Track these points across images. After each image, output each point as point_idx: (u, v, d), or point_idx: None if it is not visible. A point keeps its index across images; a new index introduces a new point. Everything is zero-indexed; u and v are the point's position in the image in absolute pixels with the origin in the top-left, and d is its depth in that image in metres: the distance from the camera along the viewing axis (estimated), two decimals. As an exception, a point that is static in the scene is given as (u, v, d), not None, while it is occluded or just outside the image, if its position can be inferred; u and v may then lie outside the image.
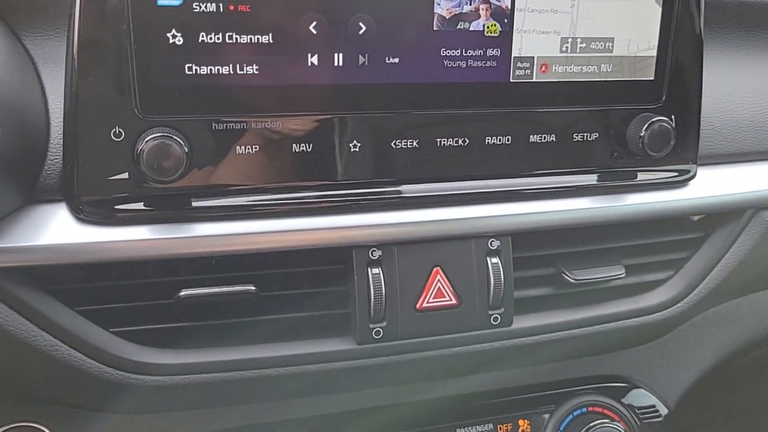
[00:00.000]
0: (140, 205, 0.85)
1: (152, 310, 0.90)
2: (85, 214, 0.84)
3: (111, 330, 0.89)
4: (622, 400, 1.17)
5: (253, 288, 0.91)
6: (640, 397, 1.19)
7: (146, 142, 0.81)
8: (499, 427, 1.11)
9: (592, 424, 1.10)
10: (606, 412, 1.14)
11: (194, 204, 0.88)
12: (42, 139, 0.85)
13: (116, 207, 0.84)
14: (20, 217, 0.83)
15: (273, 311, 0.95)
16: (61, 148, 0.85)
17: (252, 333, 0.94)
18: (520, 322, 1.02)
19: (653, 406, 1.19)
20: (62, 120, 0.84)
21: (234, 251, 0.90)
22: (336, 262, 0.95)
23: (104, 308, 0.89)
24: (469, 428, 1.09)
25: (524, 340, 1.03)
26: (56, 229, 0.84)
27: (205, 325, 0.92)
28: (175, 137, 0.82)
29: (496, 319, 1.00)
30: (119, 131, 0.82)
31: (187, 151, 0.83)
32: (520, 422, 1.12)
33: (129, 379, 0.88)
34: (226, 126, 0.86)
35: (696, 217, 1.16)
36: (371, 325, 0.94)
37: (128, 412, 0.98)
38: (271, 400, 1.03)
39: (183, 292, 0.89)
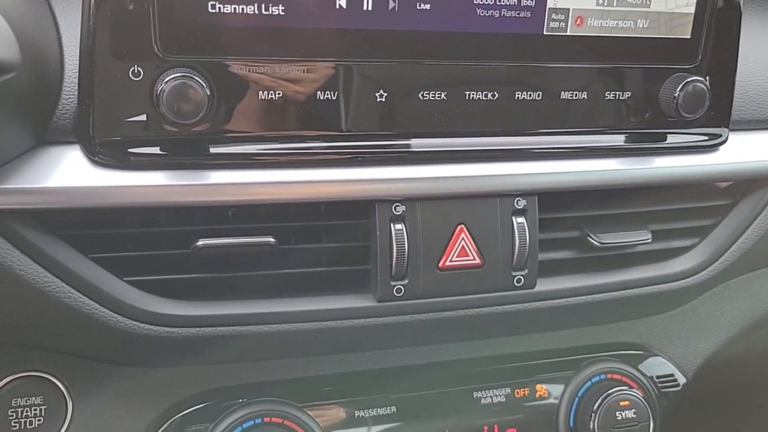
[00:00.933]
0: (157, 150, 0.82)
1: (168, 259, 0.87)
2: (99, 156, 0.81)
3: (125, 279, 0.86)
4: (641, 368, 1.15)
5: (272, 240, 0.88)
6: (659, 365, 1.17)
7: (166, 82, 0.78)
8: (516, 391, 1.09)
9: (609, 392, 1.08)
10: (624, 379, 1.12)
11: (213, 150, 0.84)
12: (56, 76, 0.81)
13: (132, 150, 0.81)
14: (32, 158, 0.80)
15: (292, 265, 0.92)
16: (76, 87, 0.81)
17: (270, 287, 0.91)
18: (544, 285, 0.99)
19: (672, 375, 1.17)
20: (77, 57, 0.80)
21: (253, 201, 0.87)
22: (358, 216, 0.92)
23: (118, 256, 0.86)
24: (486, 392, 1.07)
25: (546, 303, 1.00)
26: (69, 171, 0.80)
27: (222, 277, 0.89)
28: (196, 78, 0.78)
29: (519, 280, 0.97)
30: (138, 70, 0.79)
31: (208, 93, 0.79)
32: (538, 387, 1.10)
33: (142, 330, 0.86)
34: (250, 69, 0.82)
35: (724, 184, 1.13)
36: (392, 283, 0.91)
37: (141, 365, 0.95)
38: (288, 357, 1.00)
39: (200, 242, 0.86)
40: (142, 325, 0.85)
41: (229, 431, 0.95)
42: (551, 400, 1.10)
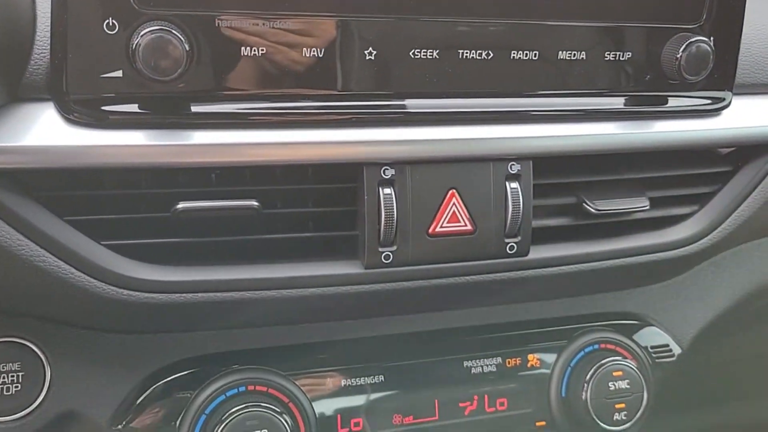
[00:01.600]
0: (134, 107, 0.78)
1: (146, 223, 0.84)
2: (74, 114, 0.77)
3: (102, 243, 0.83)
4: (635, 338, 1.12)
5: (256, 204, 0.85)
6: (654, 335, 1.14)
7: (142, 36, 0.74)
8: (507, 361, 1.06)
9: (603, 362, 1.06)
10: (618, 349, 1.10)
11: (194, 109, 0.81)
12: (28, 29, 0.77)
13: (108, 108, 0.78)
14: (4, 116, 0.76)
15: (276, 230, 0.88)
16: (49, 41, 0.77)
17: (253, 253, 0.88)
18: (537, 253, 0.96)
19: (667, 345, 1.14)
20: (50, 9, 0.76)
21: (236, 163, 0.83)
22: (345, 180, 0.89)
23: (95, 219, 0.82)
24: (477, 361, 1.05)
25: (539, 271, 0.97)
26: (43, 129, 0.77)
27: (203, 242, 0.86)
28: (174, 32, 0.74)
29: (512, 247, 0.94)
30: (113, 23, 0.75)
31: (187, 49, 0.75)
32: (530, 357, 1.07)
33: (121, 296, 0.83)
34: (231, 23, 0.78)
35: (725, 150, 1.10)
36: (380, 249, 0.88)
37: (121, 331, 0.93)
38: (273, 324, 0.98)
39: (180, 205, 0.82)
40: (120, 290, 0.82)
41: (212, 399, 0.92)
42: (543, 370, 1.08)
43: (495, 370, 1.06)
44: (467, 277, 0.94)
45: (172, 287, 0.84)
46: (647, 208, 1.01)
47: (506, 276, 0.96)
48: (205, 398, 0.93)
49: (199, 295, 0.85)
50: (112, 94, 0.77)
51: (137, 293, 0.83)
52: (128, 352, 0.93)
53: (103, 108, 0.77)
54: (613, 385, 1.05)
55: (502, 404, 1.06)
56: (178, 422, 0.92)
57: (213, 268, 0.86)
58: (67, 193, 0.81)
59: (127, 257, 0.83)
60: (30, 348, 0.89)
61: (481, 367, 1.05)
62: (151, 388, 0.93)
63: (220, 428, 0.90)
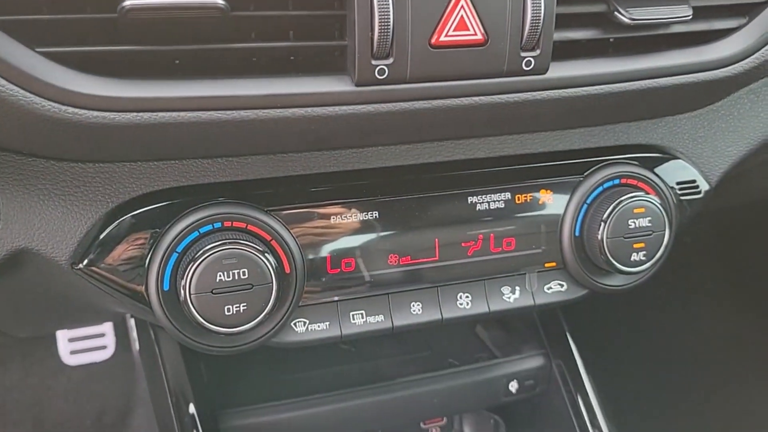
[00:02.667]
0: None
1: (89, 26, 0.69)
2: None
3: (38, 50, 0.68)
4: (659, 173, 1.01)
5: (222, 3, 0.69)
6: (680, 170, 1.02)
7: None
8: (516, 196, 0.95)
9: (623, 198, 0.94)
10: (640, 185, 0.98)
11: None
12: None
13: None
14: None
15: (248, 39, 0.74)
16: None
17: (220, 67, 0.73)
18: (557, 70, 0.82)
19: (693, 182, 1.03)
20: None
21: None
22: (331, -24, 0.73)
23: (27, 20, 0.67)
24: (483, 197, 0.94)
25: (559, 93, 0.83)
26: None
27: (158, 51, 0.71)
28: None
29: (528, 63, 0.79)
30: None
31: None
32: (542, 192, 0.96)
33: (65, 115, 0.69)
34: None
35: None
36: (374, 62, 0.74)
37: (75, 160, 0.80)
38: (250, 154, 0.85)
39: (127, 3, 0.67)
40: (63, 107, 0.69)
41: (185, 236, 0.82)
42: (556, 208, 0.97)
43: (503, 206, 0.95)
44: (475, 99, 0.80)
45: (123, 104, 0.70)
46: (689, 18, 0.85)
47: (520, 98, 0.82)
48: (177, 235, 0.82)
49: (158, 115, 0.71)
50: None
51: (84, 111, 0.69)
52: (87, 184, 0.82)
53: None
54: (633, 222, 0.95)
55: (509, 244, 0.96)
56: (147, 261, 0.83)
57: (171, 82, 0.72)
58: (-11, -13, 0.66)
59: (68, 67, 0.69)
60: (-31, 178, 0.77)
61: (488, 203, 0.94)
62: (115, 223, 0.82)
63: (194, 267, 0.80)
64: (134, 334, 1.46)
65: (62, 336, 1.98)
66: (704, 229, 2.24)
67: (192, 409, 1.10)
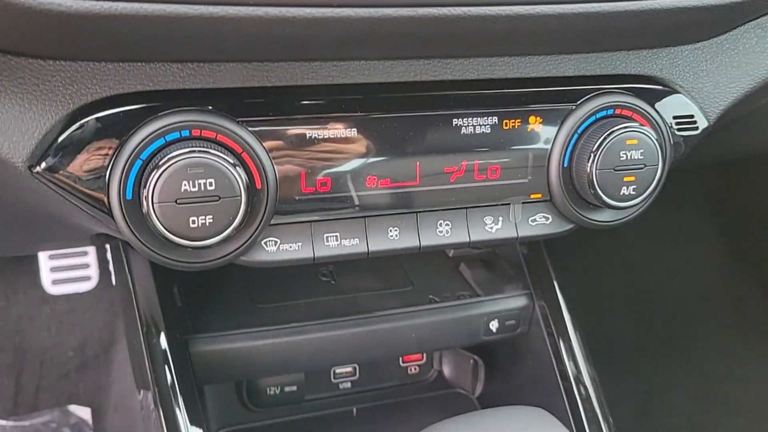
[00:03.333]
0: None
1: None
2: None
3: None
4: (656, 106, 0.96)
5: None
6: (678, 104, 0.97)
7: None
8: (504, 122, 0.91)
9: (616, 128, 0.90)
10: (635, 116, 0.94)
11: None
12: None
13: None
14: None
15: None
16: None
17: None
18: (552, -18, 0.77)
19: (691, 117, 0.98)
20: None
21: None
22: None
23: None
24: (469, 119, 0.89)
25: (555, 8, 0.78)
26: None
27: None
28: None
29: (522, -29, 0.74)
30: None
31: None
32: (531, 119, 0.91)
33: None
34: None
35: None
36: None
37: (34, 55, 0.75)
38: (221, 59, 0.80)
39: None
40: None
41: (150, 143, 0.78)
42: (545, 135, 0.92)
43: (489, 131, 0.90)
44: (462, 9, 0.75)
45: (79, -12, 0.65)
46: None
47: (512, 11, 0.77)
48: (141, 141, 0.78)
49: (118, 5, 0.66)
50: None
51: (38, -5, 0.64)
52: (47, 83, 0.77)
53: None
54: (625, 154, 0.90)
55: (494, 172, 0.92)
56: (109, 168, 0.78)
57: (133, -33, 0.67)
58: None
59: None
60: None
61: (473, 126, 0.89)
62: (76, 125, 0.77)
63: (157, 175, 0.76)
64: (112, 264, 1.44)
65: (45, 265, 1.96)
66: (697, 176, 2.22)
67: (163, 336, 1.08)
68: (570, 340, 1.18)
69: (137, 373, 1.11)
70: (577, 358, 1.16)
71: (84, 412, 1.91)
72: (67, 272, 1.96)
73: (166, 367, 1.05)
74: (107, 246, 1.58)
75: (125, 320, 1.21)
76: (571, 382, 1.14)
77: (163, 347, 1.07)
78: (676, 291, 2.32)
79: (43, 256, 1.96)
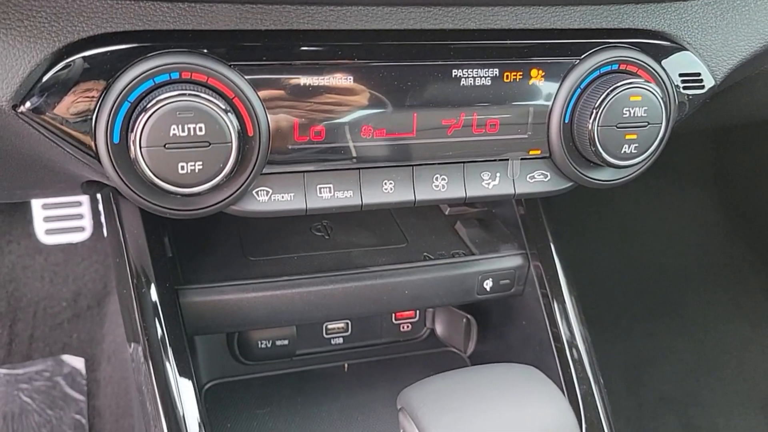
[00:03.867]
0: None
1: None
2: None
3: None
4: (663, 62, 0.93)
5: None
6: (685, 61, 0.95)
7: None
8: (505, 74, 0.88)
9: (619, 83, 0.87)
10: (640, 72, 0.91)
11: None
12: None
13: None
14: None
15: None
16: None
17: None
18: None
19: (698, 75, 0.95)
20: None
21: None
22: None
23: None
24: (469, 70, 0.86)
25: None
26: None
27: None
28: None
29: None
30: None
31: None
32: (533, 72, 0.89)
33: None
34: None
35: None
36: None
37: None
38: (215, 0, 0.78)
39: None
40: None
41: (138, 84, 0.75)
42: (547, 89, 0.90)
43: (489, 83, 0.87)
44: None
45: None
46: None
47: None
48: (129, 82, 0.75)
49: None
50: None
51: None
52: (32, 18, 0.74)
53: None
54: (628, 111, 0.88)
55: (492, 126, 0.90)
56: (95, 110, 0.76)
57: None
58: None
59: None
60: None
61: (473, 78, 0.87)
62: (62, 64, 0.75)
63: (145, 118, 0.74)
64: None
65: (38, 214, 1.94)
66: (697, 142, 2.20)
67: (153, 287, 1.06)
68: (564, 302, 1.16)
69: (127, 325, 1.10)
70: (570, 320, 1.15)
71: (77, 362, 1.92)
72: (60, 222, 1.95)
73: (156, 318, 1.04)
74: (99, 196, 1.56)
75: (116, 270, 1.19)
76: (563, 344, 1.13)
77: (153, 298, 1.06)
78: (671, 259, 2.32)
79: (36, 206, 1.95)
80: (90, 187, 1.17)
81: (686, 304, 2.25)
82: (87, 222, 1.98)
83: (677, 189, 2.34)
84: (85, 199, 1.97)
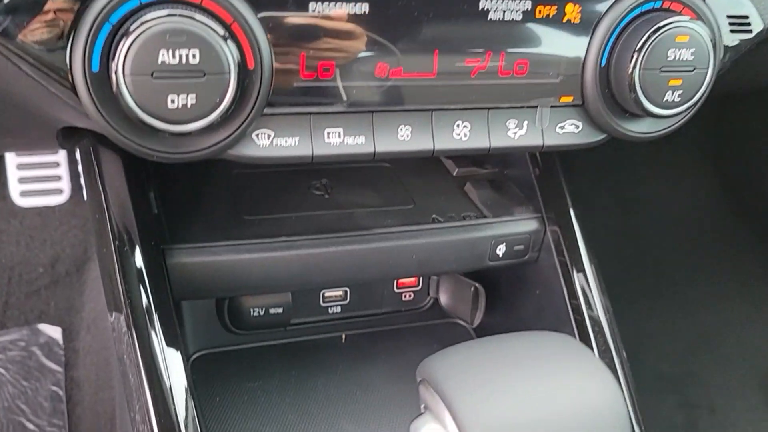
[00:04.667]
0: None
1: None
2: None
3: None
4: (708, 1, 0.84)
5: None
6: (734, 2, 0.86)
7: None
8: (538, 8, 0.78)
9: (664, 23, 0.78)
10: (685, 11, 0.82)
11: None
12: None
13: None
14: None
15: None
16: None
17: None
18: None
19: (746, 18, 0.86)
20: None
21: None
22: None
23: None
24: (498, 2, 0.76)
25: None
26: None
27: None
28: None
29: None
30: None
31: None
32: (568, 7, 0.79)
33: None
34: None
35: None
36: None
37: None
38: None
39: None
40: None
41: (120, 3, 0.64)
42: (583, 29, 0.80)
43: (519, 18, 0.78)
44: None
45: None
46: None
47: None
48: (110, 0, 0.65)
49: None
50: None
51: None
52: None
53: None
54: (674, 53, 0.79)
55: (521, 68, 0.80)
56: (71, 33, 0.65)
57: None
58: None
59: None
60: None
61: (502, 11, 0.77)
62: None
63: (129, 42, 0.63)
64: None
65: (12, 175, 1.83)
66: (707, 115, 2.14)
67: (137, 246, 0.96)
68: (584, 270, 1.08)
69: (108, 289, 1.00)
70: (591, 290, 1.07)
71: (54, 331, 1.82)
72: (36, 184, 1.84)
73: (140, 281, 0.94)
74: (78, 152, 1.45)
75: (96, 228, 1.09)
76: (584, 316, 1.05)
77: (137, 259, 0.96)
78: (671, 234, 2.27)
79: (11, 166, 1.84)
80: (67, 139, 1.07)
81: (685, 280, 2.21)
82: (65, 184, 1.87)
83: (678, 162, 2.28)
84: (63, 159, 1.86)
